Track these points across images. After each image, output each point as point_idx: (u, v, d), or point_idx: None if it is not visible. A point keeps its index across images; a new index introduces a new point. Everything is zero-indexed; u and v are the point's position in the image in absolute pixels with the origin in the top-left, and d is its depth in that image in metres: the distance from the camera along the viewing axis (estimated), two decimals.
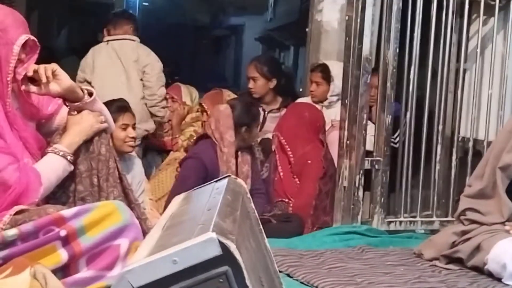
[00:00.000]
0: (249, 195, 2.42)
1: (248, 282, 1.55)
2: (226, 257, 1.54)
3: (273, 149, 5.01)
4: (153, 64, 5.46)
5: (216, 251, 1.54)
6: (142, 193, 4.17)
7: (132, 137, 4.10)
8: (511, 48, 4.60)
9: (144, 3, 29.38)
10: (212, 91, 6.11)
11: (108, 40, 5.63)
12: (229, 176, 2.46)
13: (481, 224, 3.55)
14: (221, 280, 1.54)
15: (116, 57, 5.47)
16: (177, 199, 2.36)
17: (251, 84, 5.48)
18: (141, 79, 5.40)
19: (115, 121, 3.87)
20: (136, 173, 4.21)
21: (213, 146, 4.42)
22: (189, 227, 1.73)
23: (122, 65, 5.42)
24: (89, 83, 5.33)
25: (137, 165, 4.29)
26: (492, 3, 4.59)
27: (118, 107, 4.09)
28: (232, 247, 1.55)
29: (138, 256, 1.66)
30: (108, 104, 4.13)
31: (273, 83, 5.55)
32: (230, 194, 2.14)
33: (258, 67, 5.46)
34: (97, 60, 5.50)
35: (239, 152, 4.45)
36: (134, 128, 4.17)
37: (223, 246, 1.54)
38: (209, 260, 1.54)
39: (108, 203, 2.53)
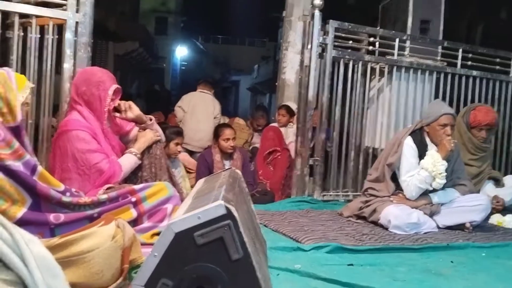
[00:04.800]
0: (243, 179, 2.40)
1: (241, 230, 1.53)
2: (228, 215, 1.52)
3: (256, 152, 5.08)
4: (219, 115, 5.88)
5: (223, 211, 1.52)
6: (181, 177, 4.15)
7: (179, 151, 4.05)
8: (394, 96, 4.60)
9: (182, 67, 29.49)
10: (230, 119, 6.30)
11: (200, 91, 5.91)
12: (230, 168, 2.46)
13: (377, 196, 3.53)
14: (225, 228, 1.52)
15: (203, 101, 5.77)
16: (201, 181, 2.34)
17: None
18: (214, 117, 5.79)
19: (172, 139, 3.90)
20: (177, 167, 4.18)
21: (211, 150, 4.47)
22: (207, 197, 1.71)
23: (206, 107, 5.72)
24: (183, 109, 5.77)
25: (178, 162, 4.27)
26: (383, 69, 4.59)
27: (177, 131, 4.11)
28: (233, 209, 1.54)
29: (177, 214, 1.64)
30: (171, 127, 4.23)
31: None
32: (231, 178, 2.12)
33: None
34: (192, 100, 5.79)
35: (234, 155, 4.44)
36: (181, 145, 4.14)
37: (227, 208, 1.53)
38: (219, 217, 1.52)
39: (160, 183, 2.52)
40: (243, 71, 30.53)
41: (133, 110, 2.81)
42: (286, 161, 4.77)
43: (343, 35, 4.36)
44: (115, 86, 2.70)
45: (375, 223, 3.41)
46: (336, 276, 2.23)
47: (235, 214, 1.54)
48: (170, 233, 1.48)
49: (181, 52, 29.92)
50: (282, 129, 5.35)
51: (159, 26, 25.44)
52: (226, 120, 6.19)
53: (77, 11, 3.15)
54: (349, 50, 4.43)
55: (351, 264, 2.49)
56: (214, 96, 5.98)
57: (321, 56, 4.28)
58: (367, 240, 2.98)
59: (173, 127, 4.34)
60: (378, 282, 2.20)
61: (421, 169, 3.39)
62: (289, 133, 5.31)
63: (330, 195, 4.44)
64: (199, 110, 5.66)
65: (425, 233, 3.26)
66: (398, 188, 3.51)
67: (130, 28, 14.74)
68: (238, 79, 31.71)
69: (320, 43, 4.23)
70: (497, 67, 5.04)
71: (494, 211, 3.83)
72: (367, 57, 4.49)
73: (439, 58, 4.83)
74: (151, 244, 1.91)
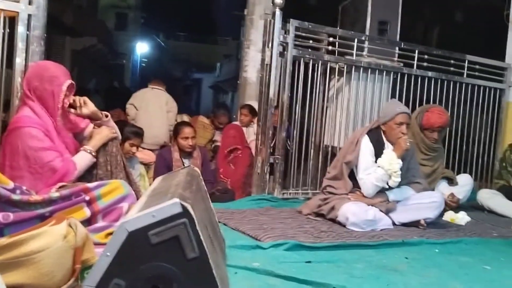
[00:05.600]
0: (201, 177, 2.38)
1: (198, 227, 1.51)
2: (185, 213, 1.50)
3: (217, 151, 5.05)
4: (174, 108, 5.78)
5: (179, 209, 1.49)
6: (139, 176, 4.09)
7: (133, 152, 3.96)
8: (352, 95, 4.66)
9: (142, 64, 29.02)
10: (193, 117, 6.18)
11: (152, 87, 5.83)
12: (189, 166, 2.43)
13: (335, 194, 3.56)
14: (181, 226, 1.49)
15: (156, 98, 5.71)
16: (158, 179, 2.30)
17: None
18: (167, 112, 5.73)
19: (128, 139, 3.84)
20: (135, 165, 4.11)
21: (170, 148, 4.42)
22: (163, 195, 1.68)
23: (159, 103, 5.67)
24: (135, 107, 5.71)
25: (136, 161, 4.20)
26: (342, 68, 4.65)
27: (136, 132, 4.03)
28: (189, 207, 1.51)
29: (131, 212, 1.60)
30: (131, 126, 4.15)
31: None
32: (189, 176, 2.09)
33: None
34: (145, 97, 5.76)
35: (193, 153, 4.39)
36: (137, 148, 4.04)
37: (183, 206, 1.50)
38: (174, 215, 1.48)
39: (116, 181, 2.45)
40: (206, 69, 30.35)
41: (88, 106, 2.73)
42: (247, 160, 4.77)
43: (304, 34, 4.38)
44: (69, 81, 2.62)
45: (333, 221, 3.43)
46: (294, 274, 2.23)
47: (192, 212, 1.51)
48: (123, 232, 1.44)
49: (142, 48, 29.47)
50: (244, 128, 5.34)
51: (119, 22, 25.00)
52: (185, 118, 6.11)
53: (30, 3, 3.05)
54: (309, 50, 4.46)
55: (309, 261, 2.50)
56: (167, 92, 5.90)
57: (281, 55, 4.28)
58: (325, 237, 3.00)
59: (133, 127, 4.25)
60: (336, 278, 2.22)
61: (378, 168, 3.44)
62: (250, 132, 5.32)
63: (290, 193, 4.46)
64: (151, 107, 5.60)
65: (381, 230, 3.31)
66: (356, 186, 3.55)
67: (88, 23, 14.43)
68: (200, 77, 31.50)
69: (281, 41, 4.24)
70: (452, 68, 5.19)
71: (448, 208, 3.95)
72: (327, 57, 4.54)
73: (396, 59, 4.93)
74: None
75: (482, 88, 5.45)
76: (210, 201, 2.39)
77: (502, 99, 5.61)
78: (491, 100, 5.54)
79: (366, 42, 4.75)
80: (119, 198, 2.36)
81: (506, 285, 2.36)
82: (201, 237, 1.52)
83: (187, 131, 4.30)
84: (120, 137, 2.88)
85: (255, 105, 5.15)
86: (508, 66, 5.56)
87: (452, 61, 5.19)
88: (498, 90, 5.58)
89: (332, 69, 4.62)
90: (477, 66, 5.36)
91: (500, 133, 5.62)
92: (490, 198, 4.41)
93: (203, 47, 33.85)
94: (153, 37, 31.91)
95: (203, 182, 2.39)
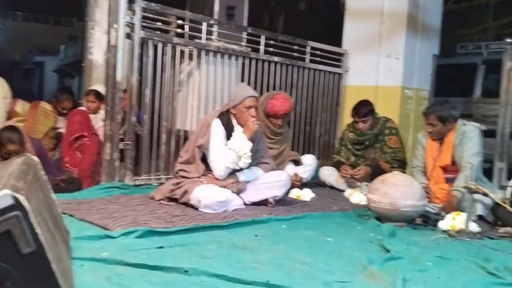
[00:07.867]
0: (40, 166, 2.20)
1: (33, 220, 1.40)
2: (17, 205, 1.38)
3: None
4: (8, 94, 5.03)
5: (10, 201, 1.37)
6: None
7: None
8: (203, 79, 4.69)
9: None
10: (33, 102, 5.57)
11: None
12: (25, 154, 2.23)
13: (187, 178, 3.58)
14: (13, 220, 1.37)
15: None
16: None
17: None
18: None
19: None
20: None
21: None
22: None
23: None
24: None
25: None
26: (192, 52, 4.63)
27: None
28: (21, 198, 1.39)
29: None
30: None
31: None
32: (25, 165, 1.92)
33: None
34: None
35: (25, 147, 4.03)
36: None
37: (15, 198, 1.38)
38: (5, 208, 1.36)
39: None
40: (48, 51, 28.17)
41: None
42: (95, 147, 4.54)
43: (152, 16, 4.27)
44: None
45: (187, 204, 3.45)
46: (144, 261, 2.19)
47: (25, 204, 1.40)
48: None
49: None
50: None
51: None
52: (19, 104, 5.56)
53: None
54: (158, 32, 4.37)
55: (161, 247, 2.47)
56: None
57: (129, 36, 4.13)
58: (178, 222, 3.00)
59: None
60: (187, 261, 2.23)
61: (229, 150, 3.53)
62: (98, 118, 5.06)
63: (142, 179, 4.35)
64: None
65: (233, 210, 3.42)
66: (208, 169, 3.61)
67: None
68: (42, 60, 29.17)
69: (127, 22, 4.08)
70: (295, 54, 5.51)
71: (294, 186, 4.21)
72: (176, 40, 4.49)
73: (244, 44, 5.07)
74: None
75: (323, 72, 5.88)
76: (52, 192, 2.23)
77: (340, 83, 6.12)
78: (331, 84, 6.01)
79: (215, 26, 4.79)
80: None
81: (345, 254, 2.59)
82: (37, 230, 1.41)
83: (11, 148, 3.70)
84: None
85: (103, 88, 4.91)
86: (345, 52, 6.07)
87: (295, 47, 5.50)
88: (337, 75, 6.07)
89: (182, 53, 4.58)
90: (318, 52, 5.76)
91: (339, 114, 6.13)
92: (330, 174, 4.80)
93: (44, 27, 31.38)
94: None
95: (43, 172, 2.22)
